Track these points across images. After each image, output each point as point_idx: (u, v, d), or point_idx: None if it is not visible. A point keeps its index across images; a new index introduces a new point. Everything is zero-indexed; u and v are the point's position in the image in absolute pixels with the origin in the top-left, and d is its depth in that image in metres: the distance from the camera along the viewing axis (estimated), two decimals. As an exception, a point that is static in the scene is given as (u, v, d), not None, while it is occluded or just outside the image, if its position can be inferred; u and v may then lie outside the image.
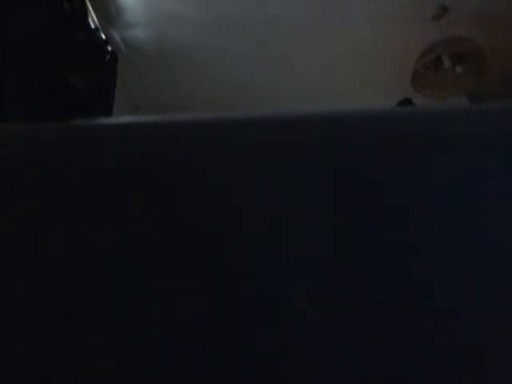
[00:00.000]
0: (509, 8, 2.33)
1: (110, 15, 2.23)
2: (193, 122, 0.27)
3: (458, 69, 2.32)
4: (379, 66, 2.66)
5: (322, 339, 0.21)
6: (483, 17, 2.39)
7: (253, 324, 0.21)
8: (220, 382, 0.20)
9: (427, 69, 2.29)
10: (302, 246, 0.22)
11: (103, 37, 0.77)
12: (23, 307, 0.21)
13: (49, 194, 0.23)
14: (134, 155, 0.25)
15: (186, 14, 2.28)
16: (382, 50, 2.56)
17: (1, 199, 0.23)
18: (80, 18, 0.71)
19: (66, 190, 0.24)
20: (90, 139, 0.26)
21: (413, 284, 0.22)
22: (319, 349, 0.21)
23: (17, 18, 0.64)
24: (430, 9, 2.33)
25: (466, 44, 2.20)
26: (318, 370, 0.20)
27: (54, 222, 0.23)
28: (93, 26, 0.75)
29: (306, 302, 0.21)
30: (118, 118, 0.28)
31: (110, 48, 0.76)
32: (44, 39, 0.65)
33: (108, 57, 0.74)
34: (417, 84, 2.33)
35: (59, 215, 0.23)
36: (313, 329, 0.21)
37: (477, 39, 2.23)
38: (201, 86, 2.69)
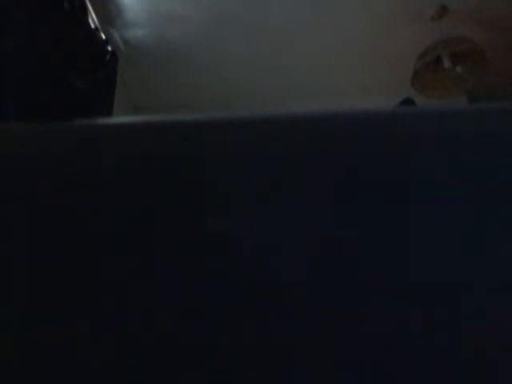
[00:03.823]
0: (509, 8, 2.33)
1: (109, 15, 2.23)
2: (193, 121, 0.27)
3: (458, 69, 2.32)
4: (379, 66, 2.66)
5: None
6: (483, 17, 2.39)
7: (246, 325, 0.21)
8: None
9: (427, 69, 2.29)
10: (301, 245, 0.22)
11: (103, 37, 0.77)
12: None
13: (48, 194, 0.23)
14: (134, 155, 0.25)
15: (185, 14, 2.28)
16: (382, 50, 2.56)
17: (0, 200, 0.23)
18: (80, 17, 0.70)
19: (65, 190, 0.24)
20: (90, 139, 0.26)
21: (412, 284, 0.22)
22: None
23: (16, 18, 0.64)
24: (429, 9, 2.33)
25: (466, 44, 2.20)
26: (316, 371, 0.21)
27: (52, 221, 0.23)
28: (93, 26, 0.75)
29: (304, 303, 0.22)
30: (118, 118, 0.28)
31: (109, 48, 0.76)
32: (44, 39, 0.65)
33: (108, 57, 0.74)
34: (417, 84, 2.33)
35: (59, 215, 0.23)
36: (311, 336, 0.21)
37: (477, 39, 2.23)
38: (201, 86, 2.69)
